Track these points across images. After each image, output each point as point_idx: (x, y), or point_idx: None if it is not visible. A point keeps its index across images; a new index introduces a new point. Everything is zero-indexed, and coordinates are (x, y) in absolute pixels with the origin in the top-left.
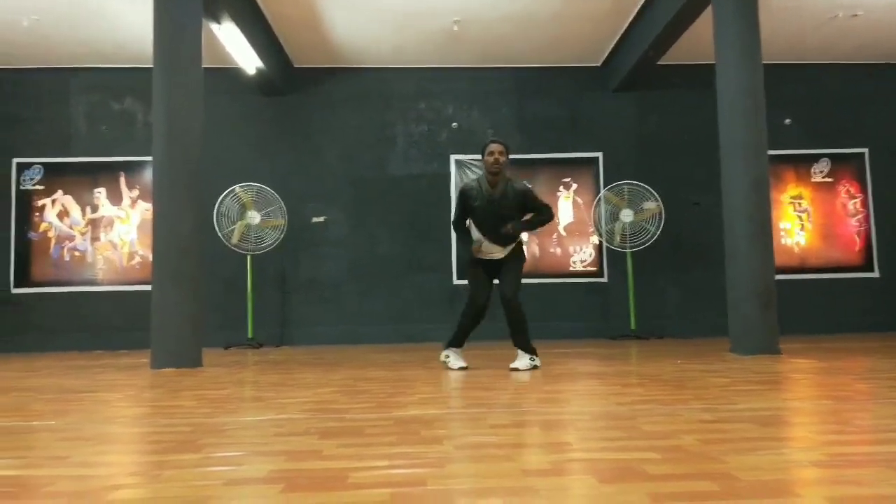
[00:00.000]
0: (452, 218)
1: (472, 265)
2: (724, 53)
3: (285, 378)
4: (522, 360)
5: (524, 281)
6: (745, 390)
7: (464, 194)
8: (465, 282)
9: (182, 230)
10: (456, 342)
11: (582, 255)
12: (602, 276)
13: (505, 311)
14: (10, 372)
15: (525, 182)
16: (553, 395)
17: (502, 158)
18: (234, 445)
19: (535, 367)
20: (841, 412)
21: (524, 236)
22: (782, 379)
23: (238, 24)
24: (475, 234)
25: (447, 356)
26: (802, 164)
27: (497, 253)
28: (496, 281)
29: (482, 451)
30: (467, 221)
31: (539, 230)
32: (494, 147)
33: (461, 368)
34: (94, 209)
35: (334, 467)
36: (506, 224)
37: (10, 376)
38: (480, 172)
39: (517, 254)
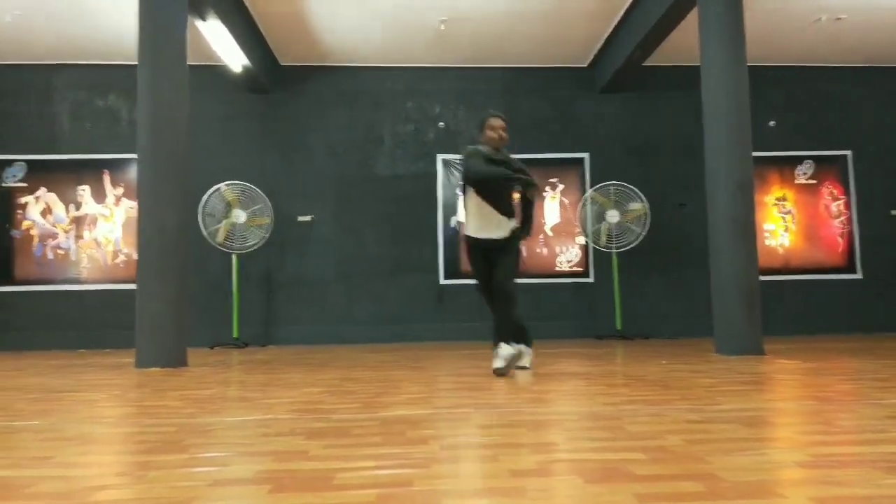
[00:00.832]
0: (474, 171)
1: (472, 255)
2: (709, 56)
3: (271, 378)
4: (525, 358)
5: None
6: (730, 391)
7: (473, 149)
8: (452, 281)
9: (167, 228)
10: (495, 339)
11: (568, 256)
12: (588, 276)
13: (495, 296)
14: None
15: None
16: (540, 395)
17: (506, 133)
18: (220, 446)
19: (524, 366)
20: (825, 413)
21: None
22: (766, 379)
23: (224, 21)
24: (468, 213)
25: (495, 355)
26: (786, 166)
27: (495, 230)
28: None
29: (469, 451)
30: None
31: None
32: (497, 123)
33: (494, 370)
34: (78, 207)
35: (321, 468)
36: (510, 193)
37: None
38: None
39: (514, 243)
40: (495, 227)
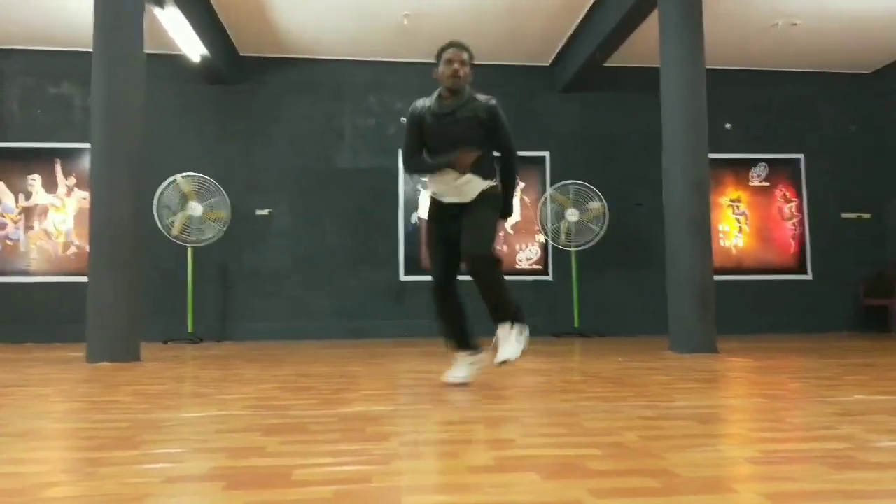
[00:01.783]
0: (402, 157)
1: (429, 228)
2: (668, 57)
3: (226, 374)
4: (509, 345)
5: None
6: (684, 388)
7: (412, 115)
8: (412, 278)
9: (120, 219)
10: (450, 346)
11: (528, 254)
12: (547, 273)
13: (471, 274)
14: None
15: (492, 98)
16: (498, 392)
17: (464, 70)
18: (174, 442)
19: (521, 348)
20: (775, 410)
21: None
22: (719, 377)
23: (182, 10)
24: (430, 180)
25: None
26: (741, 168)
27: (454, 194)
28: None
29: (427, 447)
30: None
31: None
32: (453, 53)
33: (450, 382)
34: (28, 197)
35: (277, 464)
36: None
37: None
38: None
39: (487, 198)
40: (454, 190)
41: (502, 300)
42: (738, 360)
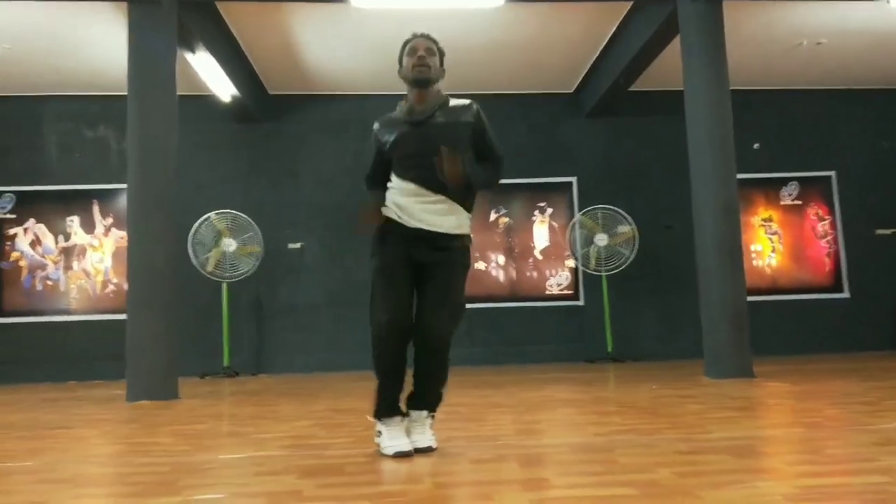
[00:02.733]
0: (366, 174)
1: (381, 251)
2: (692, 83)
3: (263, 410)
4: (426, 435)
5: (491, 305)
6: (720, 417)
7: (374, 131)
8: None
9: (157, 260)
10: (384, 408)
11: (558, 279)
12: (578, 298)
13: (423, 349)
14: None
15: (471, 100)
16: (531, 425)
17: (432, 60)
18: (214, 486)
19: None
20: (812, 440)
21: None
22: (756, 405)
23: (212, 53)
24: (396, 195)
25: (378, 433)
26: (772, 188)
27: (433, 219)
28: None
29: (462, 489)
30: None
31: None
32: (418, 42)
33: (398, 454)
34: (67, 237)
35: None
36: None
37: None
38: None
39: (464, 254)
40: (432, 215)
41: (443, 386)
42: (774, 385)
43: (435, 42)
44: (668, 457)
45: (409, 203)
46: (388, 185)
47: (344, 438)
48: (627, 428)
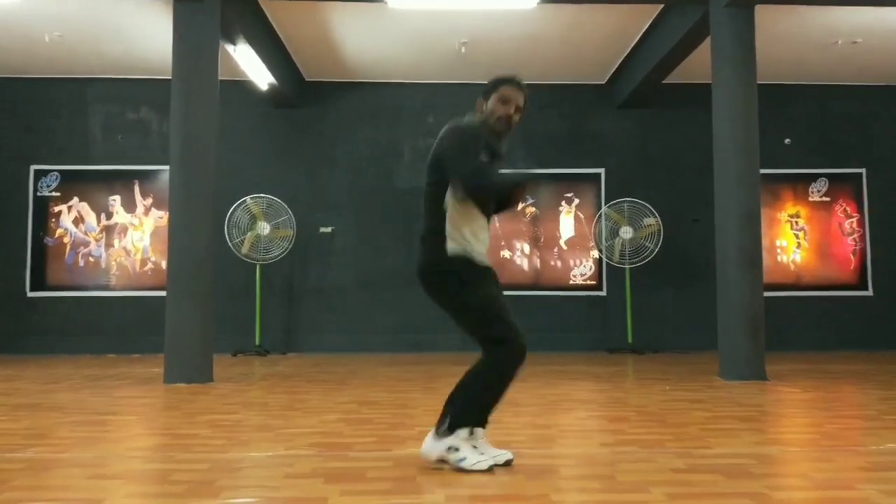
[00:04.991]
0: (473, 167)
1: (483, 279)
2: (720, 87)
3: (292, 400)
4: (439, 442)
5: (515, 294)
6: (723, 429)
7: (479, 138)
8: None
9: (197, 245)
10: (484, 417)
11: (582, 269)
12: (601, 289)
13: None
14: (30, 383)
15: None
16: (543, 430)
17: (517, 117)
18: (247, 489)
19: (459, 464)
20: (803, 462)
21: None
22: (761, 415)
23: (252, 45)
24: (478, 229)
25: (455, 449)
26: (801, 183)
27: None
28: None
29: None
30: (446, 199)
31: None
32: (516, 95)
33: (502, 463)
34: (109, 216)
35: None
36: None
37: (32, 389)
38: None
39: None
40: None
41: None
42: (785, 390)
43: (527, 97)
44: (664, 474)
45: (486, 239)
46: (450, 211)
47: (367, 438)
48: (632, 438)
